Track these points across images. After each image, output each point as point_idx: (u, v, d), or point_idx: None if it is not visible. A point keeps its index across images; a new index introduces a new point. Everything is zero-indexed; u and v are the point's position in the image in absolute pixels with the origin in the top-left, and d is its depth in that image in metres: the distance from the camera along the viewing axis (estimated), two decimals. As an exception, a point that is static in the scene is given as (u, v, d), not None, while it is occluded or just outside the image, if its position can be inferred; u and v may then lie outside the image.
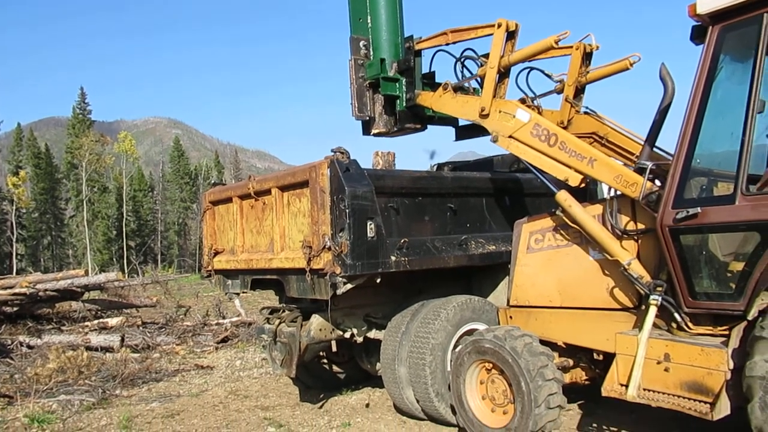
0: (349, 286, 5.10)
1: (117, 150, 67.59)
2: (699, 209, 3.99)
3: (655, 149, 4.79)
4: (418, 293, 6.14)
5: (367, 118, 6.27)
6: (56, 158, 71.38)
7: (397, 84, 6.12)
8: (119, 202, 66.51)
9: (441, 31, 5.95)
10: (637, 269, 4.49)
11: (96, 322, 11.66)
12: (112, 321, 11.65)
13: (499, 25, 5.37)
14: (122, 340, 10.17)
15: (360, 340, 6.15)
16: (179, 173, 78.50)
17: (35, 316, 11.68)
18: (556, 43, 5.19)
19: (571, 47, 5.87)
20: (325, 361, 7.34)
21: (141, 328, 11.97)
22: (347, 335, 6.07)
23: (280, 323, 6.23)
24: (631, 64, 5.73)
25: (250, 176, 6.38)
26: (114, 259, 63.60)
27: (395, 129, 6.30)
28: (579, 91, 6.03)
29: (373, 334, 6.14)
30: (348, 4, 6.35)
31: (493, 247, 5.99)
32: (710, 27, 4.05)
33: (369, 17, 6.26)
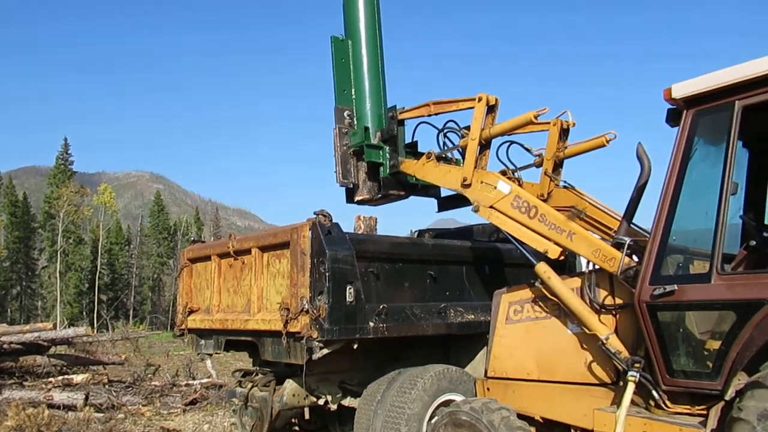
0: (325, 351, 5.01)
1: (96, 202, 67.05)
2: (676, 286, 4.04)
3: (632, 225, 4.88)
4: (394, 360, 6.05)
5: (351, 185, 6.35)
6: (34, 208, 70.53)
7: (380, 151, 6.23)
8: (94, 254, 65.41)
9: (424, 103, 6.12)
10: (615, 344, 4.49)
11: (60, 378, 11.26)
12: (78, 378, 11.27)
13: (480, 99, 5.54)
14: (86, 398, 9.80)
15: (334, 407, 5.99)
16: (158, 228, 77.79)
17: (-4, 369, 11.25)
18: (535, 118, 5.35)
19: (549, 123, 6.05)
20: (297, 428, 7.11)
21: (107, 386, 11.55)
22: (321, 402, 5.92)
23: (252, 387, 6.07)
24: (608, 141, 5.90)
25: (230, 235, 6.36)
26: (84, 313, 62.00)
27: (379, 196, 6.36)
28: (557, 165, 6.17)
29: (347, 401, 5.99)
30: (333, 75, 6.53)
31: (472, 316, 5.96)
32: (685, 111, 4.22)
33: (353, 89, 6.46)
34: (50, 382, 11.00)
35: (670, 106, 4.37)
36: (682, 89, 4.16)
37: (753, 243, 4.45)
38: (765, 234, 4.84)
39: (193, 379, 13.19)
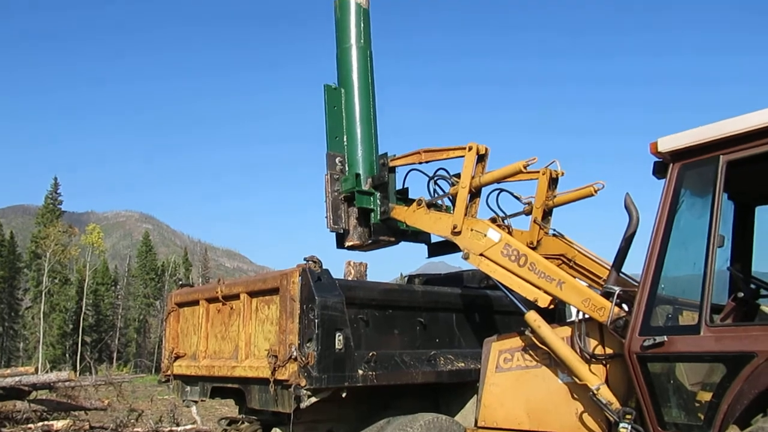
0: (313, 399, 4.93)
1: (84, 242, 66.57)
2: (665, 338, 4.04)
3: (621, 274, 4.91)
4: (384, 409, 5.95)
5: (342, 230, 6.36)
6: (20, 247, 69.85)
7: (371, 197, 6.27)
8: (79, 294, 64.57)
9: (415, 150, 6.20)
10: (605, 395, 4.46)
11: (40, 424, 11.00)
12: (58, 424, 11.02)
13: (470, 148, 5.62)
14: (66, 446, 9.54)
15: (321, 457, 5.86)
16: (145, 268, 77.10)
17: (-26, 415, 10.98)
18: (525, 167, 5.43)
19: (539, 172, 6.14)
20: (283, 478, 6.94)
21: (88, 433, 11.28)
22: (308, 452, 5.79)
23: (238, 436, 5.93)
24: (596, 191, 5.99)
25: (219, 279, 6.32)
26: (67, 355, 60.78)
27: (369, 242, 6.37)
28: (547, 214, 6.23)
29: (335, 451, 5.87)
30: (325, 122, 6.62)
31: (462, 364, 5.91)
32: (671, 164, 4.30)
33: (345, 136, 6.53)
34: (30, 428, 10.74)
35: (657, 159, 4.45)
36: (668, 143, 4.25)
37: (741, 295, 4.48)
38: (752, 285, 4.89)
39: (178, 425, 12.89)
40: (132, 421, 12.90)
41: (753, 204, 5.31)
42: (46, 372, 14.50)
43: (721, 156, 4.03)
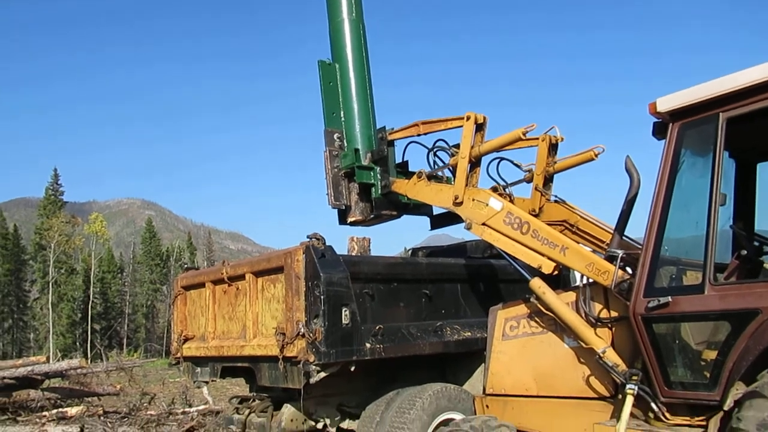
0: (322, 374, 4.98)
1: (87, 231, 66.67)
2: (670, 298, 4.05)
3: (624, 238, 4.91)
4: (392, 381, 6.02)
5: (343, 206, 6.36)
6: (24, 239, 70.03)
7: (371, 172, 6.25)
8: (86, 283, 64.89)
9: (412, 123, 6.16)
10: (612, 358, 4.49)
11: (55, 411, 11.12)
12: (72, 410, 11.12)
13: (468, 118, 5.58)
14: (82, 431, 9.67)
15: (333, 431, 5.95)
16: (150, 254, 77.38)
17: (-10, 405, 11.11)
18: (524, 134, 5.40)
19: (538, 139, 6.11)
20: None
21: (102, 417, 11.41)
22: (320, 426, 5.88)
23: (249, 413, 6.02)
24: (596, 155, 5.96)
25: (224, 261, 6.34)
26: (77, 343, 61.30)
27: (371, 216, 6.37)
28: (548, 180, 6.21)
29: (346, 424, 5.95)
30: (321, 99, 6.57)
31: (469, 333, 5.95)
32: (671, 124, 4.27)
33: (342, 111, 6.50)
34: (45, 416, 10.86)
35: (656, 120, 4.42)
36: (667, 103, 4.21)
37: (744, 252, 4.48)
38: (755, 242, 4.88)
39: (190, 406, 13.03)
40: (145, 404, 13.04)
41: (754, 161, 5.27)
42: (58, 360, 14.63)
43: (720, 113, 3.99)
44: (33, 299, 66.81)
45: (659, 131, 4.41)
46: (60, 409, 11.23)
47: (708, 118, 4.06)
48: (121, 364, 19.50)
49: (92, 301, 63.56)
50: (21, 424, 10.27)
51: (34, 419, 10.66)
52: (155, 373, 24.21)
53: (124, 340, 68.59)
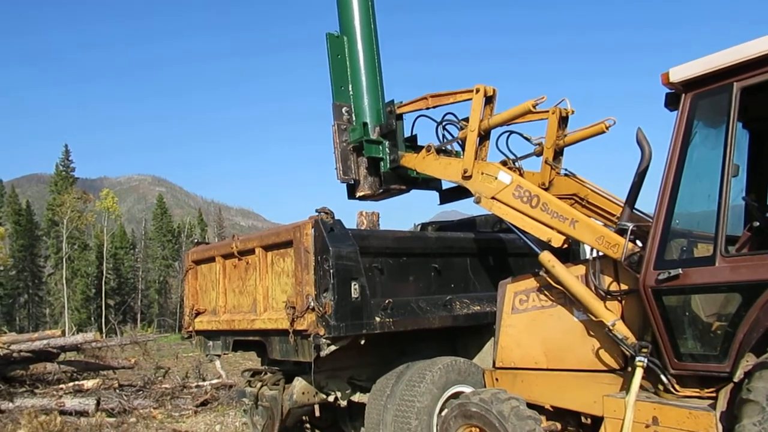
0: (333, 347, 5.02)
1: (99, 207, 67.18)
2: (680, 270, 4.03)
3: (634, 211, 4.87)
4: (402, 354, 6.06)
5: (352, 181, 6.33)
6: (37, 215, 70.72)
7: (380, 146, 6.21)
8: (99, 259, 65.62)
9: (421, 96, 6.09)
10: (621, 330, 4.49)
11: (71, 384, 11.34)
12: (88, 383, 11.33)
13: (477, 90, 5.52)
14: (98, 403, 9.86)
15: (344, 403, 6.01)
16: (162, 231, 77.98)
17: (8, 378, 11.33)
18: (534, 107, 5.34)
19: (548, 111, 6.03)
20: (308, 426, 7.14)
21: (118, 390, 11.63)
22: (331, 399, 5.94)
23: (261, 386, 6.09)
24: (607, 128, 5.88)
25: (233, 235, 6.36)
26: (92, 318, 62.26)
27: (380, 191, 6.35)
28: (558, 154, 6.15)
29: (357, 397, 6.01)
30: (329, 73, 6.51)
31: (478, 307, 5.97)
32: (683, 95, 4.20)
33: (350, 85, 6.43)
34: (61, 388, 11.07)
35: (669, 90, 4.35)
36: (680, 73, 4.14)
37: (756, 224, 4.44)
38: (768, 214, 4.83)
39: (203, 380, 13.25)
40: (159, 378, 13.27)
41: (768, 132, 5.19)
42: (73, 334, 14.86)
43: (734, 83, 3.92)
44: (47, 275, 67.69)
45: (672, 102, 4.34)
46: (76, 382, 11.44)
47: (722, 88, 3.99)
48: (136, 338, 19.80)
49: (105, 277, 64.34)
50: (38, 397, 10.48)
51: (51, 392, 10.86)
52: (169, 348, 24.56)
53: (138, 315, 69.54)
